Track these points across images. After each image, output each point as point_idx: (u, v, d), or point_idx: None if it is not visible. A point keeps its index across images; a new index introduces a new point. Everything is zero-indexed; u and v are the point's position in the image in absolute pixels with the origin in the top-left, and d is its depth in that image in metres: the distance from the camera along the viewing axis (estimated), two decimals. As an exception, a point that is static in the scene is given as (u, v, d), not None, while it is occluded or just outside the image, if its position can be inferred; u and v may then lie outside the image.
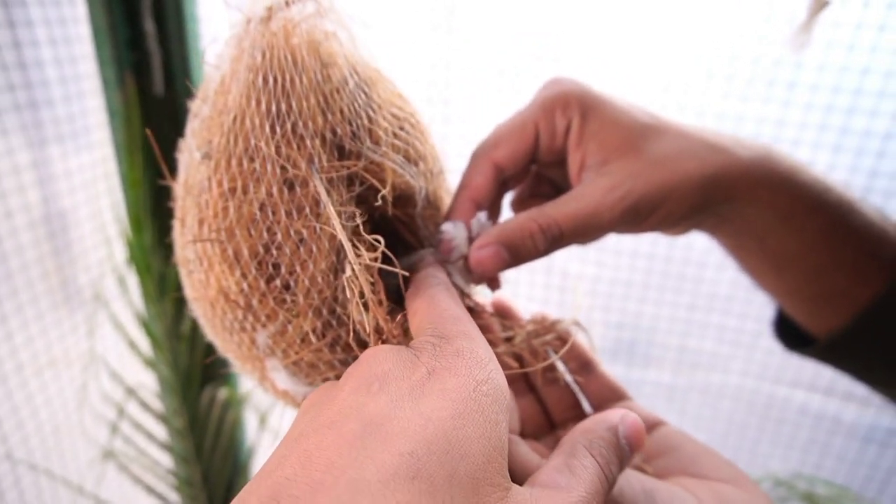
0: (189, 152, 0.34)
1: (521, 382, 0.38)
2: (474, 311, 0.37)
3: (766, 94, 0.65)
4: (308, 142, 0.30)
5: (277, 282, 0.31)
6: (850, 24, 0.60)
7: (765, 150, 0.35)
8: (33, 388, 0.73)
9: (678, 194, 0.33)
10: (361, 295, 0.29)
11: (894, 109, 0.62)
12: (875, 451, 0.73)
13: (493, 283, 0.37)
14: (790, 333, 0.42)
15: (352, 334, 0.30)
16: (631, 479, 0.27)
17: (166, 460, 0.87)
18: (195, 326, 0.89)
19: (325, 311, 0.31)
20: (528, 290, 0.78)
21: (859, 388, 0.72)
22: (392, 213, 0.35)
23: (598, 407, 0.37)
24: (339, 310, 0.32)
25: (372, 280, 0.29)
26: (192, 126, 0.34)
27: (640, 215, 0.33)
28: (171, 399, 0.86)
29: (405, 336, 0.30)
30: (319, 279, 0.31)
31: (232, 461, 0.92)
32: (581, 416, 0.37)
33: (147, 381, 0.88)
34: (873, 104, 0.63)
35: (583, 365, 0.38)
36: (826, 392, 0.72)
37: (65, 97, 0.74)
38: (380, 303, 0.29)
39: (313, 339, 0.31)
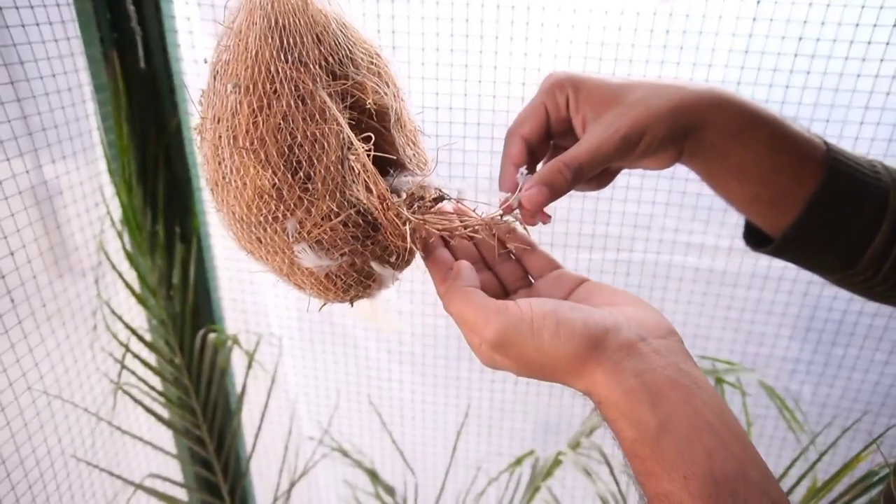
0: (215, 95, 0.44)
1: (482, 262, 0.50)
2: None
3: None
4: (311, 67, 0.41)
5: (301, 174, 0.41)
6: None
7: (709, 86, 0.47)
8: (45, 332, 0.81)
9: (654, 122, 0.45)
10: (365, 169, 0.41)
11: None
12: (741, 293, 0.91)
13: (544, 217, 0.47)
14: (757, 239, 0.53)
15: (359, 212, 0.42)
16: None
17: (171, 392, 0.97)
18: (185, 277, 0.98)
19: (337, 194, 0.41)
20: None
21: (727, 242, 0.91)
22: (375, 126, 0.47)
23: (539, 275, 0.48)
24: (347, 192, 0.42)
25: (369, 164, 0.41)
26: (216, 71, 0.44)
27: (631, 142, 0.45)
28: (170, 338, 0.95)
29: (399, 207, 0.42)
30: (332, 168, 0.41)
31: (224, 393, 1.02)
32: (528, 284, 0.49)
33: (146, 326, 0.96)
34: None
35: (525, 245, 0.49)
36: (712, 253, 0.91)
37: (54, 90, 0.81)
38: (377, 176, 0.41)
39: (331, 217, 0.42)
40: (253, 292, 1.10)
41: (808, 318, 1.00)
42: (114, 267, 0.89)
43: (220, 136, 0.42)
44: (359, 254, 0.44)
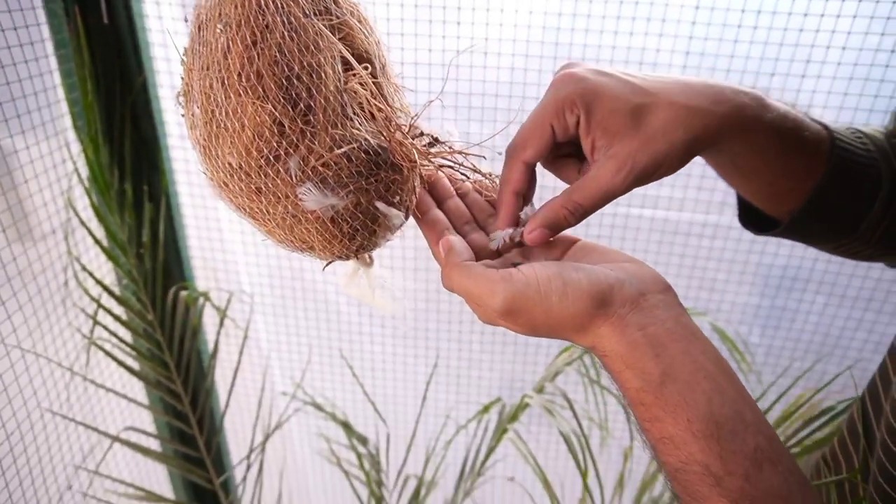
0: (201, 45, 0.43)
1: (474, 223, 0.50)
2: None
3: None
4: (301, 1, 0.43)
5: (301, 106, 0.41)
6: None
7: (738, 103, 0.43)
8: (16, 286, 0.81)
9: (669, 159, 0.42)
10: (369, 92, 0.42)
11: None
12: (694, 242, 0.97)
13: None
14: (754, 223, 0.54)
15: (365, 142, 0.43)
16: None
17: (144, 347, 0.97)
18: (154, 235, 0.98)
19: (339, 125, 0.43)
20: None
21: (681, 192, 0.96)
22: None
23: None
24: (349, 124, 0.43)
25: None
26: (200, 22, 0.44)
27: (642, 181, 0.42)
28: (142, 296, 0.96)
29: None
30: (331, 98, 0.42)
31: (197, 349, 1.03)
32: (516, 245, 0.48)
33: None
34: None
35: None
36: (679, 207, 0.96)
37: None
38: (381, 98, 0.43)
39: (335, 149, 0.42)
40: (223, 251, 1.11)
41: (761, 266, 1.06)
42: (83, 223, 0.88)
43: (210, 84, 0.43)
44: (363, 191, 0.44)
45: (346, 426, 1.10)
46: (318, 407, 1.11)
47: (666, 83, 0.43)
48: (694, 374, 0.36)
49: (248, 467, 1.03)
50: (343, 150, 0.43)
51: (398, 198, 0.46)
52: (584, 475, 0.94)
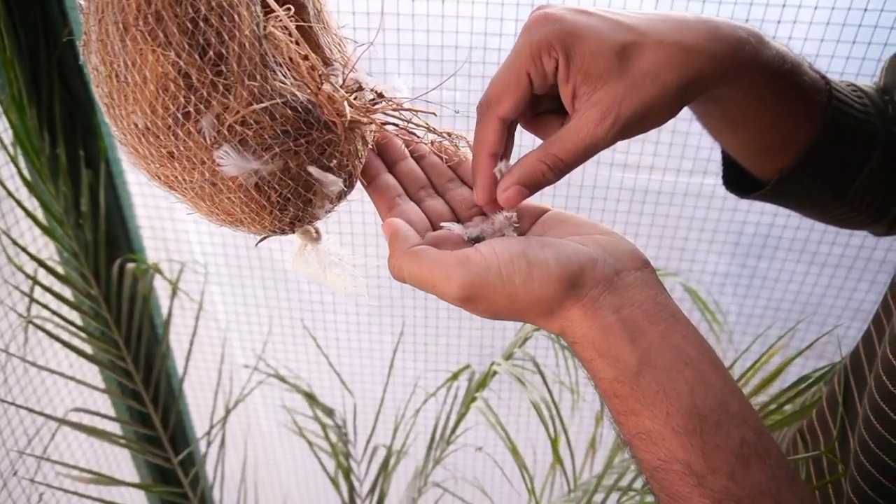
0: None
1: (430, 188, 0.45)
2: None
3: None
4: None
5: (211, 53, 0.35)
6: None
7: (736, 39, 0.38)
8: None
9: (660, 105, 0.37)
10: (290, 36, 0.36)
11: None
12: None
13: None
14: (738, 185, 0.50)
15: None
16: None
17: (90, 325, 0.91)
18: (94, 204, 0.91)
19: (258, 76, 0.36)
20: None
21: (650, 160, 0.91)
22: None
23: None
24: (270, 76, 0.37)
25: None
26: None
27: (629, 131, 0.37)
28: (84, 270, 0.89)
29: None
30: (247, 45, 0.36)
31: (149, 325, 0.97)
32: (480, 211, 0.44)
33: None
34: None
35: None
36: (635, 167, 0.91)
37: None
38: (304, 46, 0.37)
39: (254, 104, 0.36)
40: (173, 219, 1.04)
41: (734, 232, 1.03)
42: (10, 194, 0.81)
43: (107, 31, 0.36)
44: (292, 154, 0.38)
45: (311, 398, 1.06)
46: (282, 379, 1.06)
47: (654, 20, 0.38)
48: (674, 362, 0.33)
49: (209, 443, 0.99)
50: (263, 105, 0.37)
51: (335, 161, 0.41)
52: (554, 442, 0.92)
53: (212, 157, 0.37)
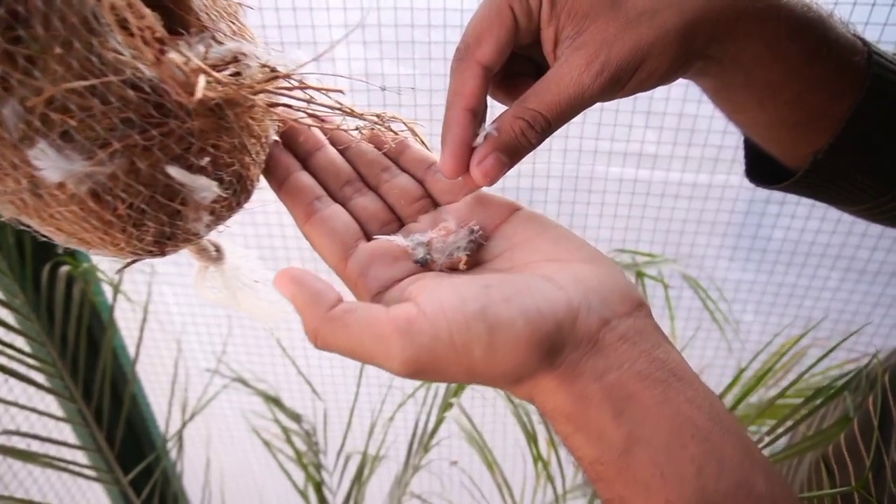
0: None
1: (358, 182, 0.36)
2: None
3: None
4: None
5: (1, 11, 0.25)
6: None
7: None
8: None
9: (658, 50, 0.30)
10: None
11: None
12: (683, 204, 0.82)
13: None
14: (764, 175, 0.42)
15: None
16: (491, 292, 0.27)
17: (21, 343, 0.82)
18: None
19: (76, 43, 0.26)
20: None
21: (654, 148, 0.80)
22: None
23: (448, 199, 0.36)
24: (95, 42, 0.26)
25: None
26: None
27: (620, 84, 0.31)
28: (6, 275, 0.79)
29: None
30: (58, 1, 0.26)
31: (86, 332, 0.87)
32: (428, 207, 0.36)
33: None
34: None
35: (425, 164, 0.37)
36: (636, 160, 0.79)
37: None
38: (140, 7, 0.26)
39: (73, 81, 0.26)
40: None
41: (762, 238, 0.91)
42: None
43: None
44: (140, 151, 0.28)
45: (276, 402, 0.97)
46: (244, 382, 0.97)
47: None
48: (676, 434, 0.25)
49: (167, 452, 0.91)
50: (88, 83, 0.26)
51: (207, 159, 0.30)
52: (530, 439, 0.84)
53: (25, 157, 0.27)
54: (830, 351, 0.54)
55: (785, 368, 0.83)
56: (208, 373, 1.02)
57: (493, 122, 0.33)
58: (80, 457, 0.89)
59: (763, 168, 0.42)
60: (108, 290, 0.93)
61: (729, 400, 0.74)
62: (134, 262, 0.34)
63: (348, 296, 0.31)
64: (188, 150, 0.29)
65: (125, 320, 0.98)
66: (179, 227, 0.31)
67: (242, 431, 1.26)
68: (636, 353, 0.27)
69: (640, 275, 0.86)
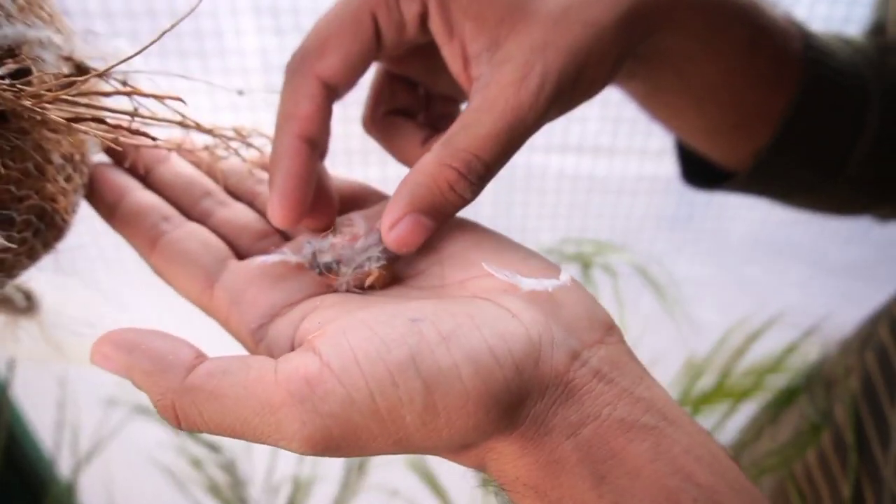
0: None
1: (223, 192, 0.30)
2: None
3: None
4: None
5: None
6: None
7: None
8: None
9: (597, 50, 0.26)
10: None
11: None
12: (627, 200, 0.76)
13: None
14: (700, 176, 0.40)
15: None
16: (425, 332, 0.21)
17: None
18: None
19: None
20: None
21: (606, 140, 0.73)
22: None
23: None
24: None
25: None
26: None
27: (563, 97, 0.26)
28: None
29: None
30: None
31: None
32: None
33: None
34: None
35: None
36: (577, 150, 0.72)
37: None
38: None
39: None
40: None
41: (721, 231, 0.86)
42: None
43: None
44: None
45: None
46: (143, 410, 0.86)
47: None
48: (674, 495, 0.20)
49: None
50: None
51: None
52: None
53: None
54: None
55: (740, 353, 0.80)
56: (106, 403, 0.90)
57: (404, 178, 0.25)
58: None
59: (698, 168, 0.39)
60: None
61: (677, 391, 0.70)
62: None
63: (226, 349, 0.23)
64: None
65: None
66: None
67: (150, 468, 1.14)
68: (615, 394, 0.21)
69: (586, 264, 0.80)
